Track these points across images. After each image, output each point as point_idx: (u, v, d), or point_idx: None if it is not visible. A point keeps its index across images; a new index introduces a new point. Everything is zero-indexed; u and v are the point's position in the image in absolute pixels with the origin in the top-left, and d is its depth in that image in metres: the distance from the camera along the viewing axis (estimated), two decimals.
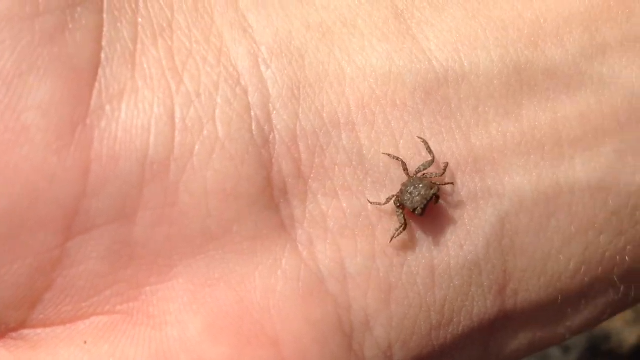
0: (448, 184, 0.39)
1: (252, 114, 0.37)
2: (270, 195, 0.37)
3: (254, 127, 0.36)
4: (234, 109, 0.36)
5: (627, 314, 1.01)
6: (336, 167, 0.38)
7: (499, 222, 0.40)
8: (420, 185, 0.39)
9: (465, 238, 0.40)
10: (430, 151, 0.39)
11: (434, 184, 0.39)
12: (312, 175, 0.38)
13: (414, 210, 0.39)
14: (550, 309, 0.43)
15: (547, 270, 0.41)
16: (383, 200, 0.39)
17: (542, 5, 0.40)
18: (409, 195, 0.39)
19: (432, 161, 0.39)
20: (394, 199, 0.39)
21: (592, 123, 0.41)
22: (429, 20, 0.40)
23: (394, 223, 0.39)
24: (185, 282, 0.36)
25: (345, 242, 0.38)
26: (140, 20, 0.36)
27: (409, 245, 0.39)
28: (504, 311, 0.42)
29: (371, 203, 0.38)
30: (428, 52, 0.39)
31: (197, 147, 0.35)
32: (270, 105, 0.37)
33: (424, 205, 0.39)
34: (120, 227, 0.35)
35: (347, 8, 0.40)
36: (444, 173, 0.39)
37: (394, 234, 0.39)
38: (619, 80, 0.41)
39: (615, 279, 0.43)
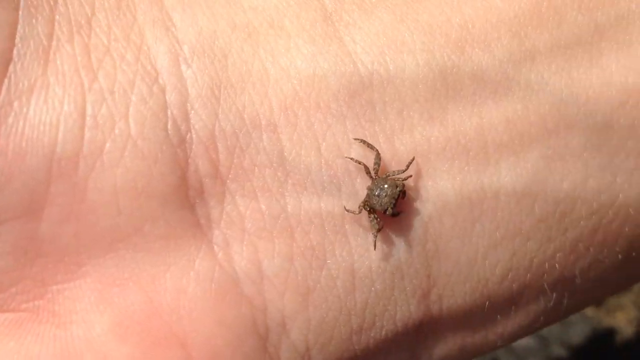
0: (408, 177, 0.39)
1: (169, 112, 0.36)
2: (185, 195, 0.37)
3: (169, 126, 0.36)
4: (149, 108, 0.36)
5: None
6: (256, 168, 0.38)
7: (422, 226, 0.40)
8: (385, 186, 0.39)
9: (387, 242, 0.40)
10: (371, 147, 0.39)
11: (398, 180, 0.39)
12: (230, 176, 0.37)
13: (385, 211, 0.39)
14: (479, 314, 0.43)
15: (472, 275, 0.41)
16: (357, 211, 0.39)
17: (471, 11, 0.40)
18: (377, 198, 0.39)
19: (379, 155, 0.39)
20: (363, 204, 0.39)
21: (518, 129, 0.40)
22: (357, 23, 0.40)
23: (371, 228, 0.39)
24: (93, 281, 0.36)
25: (263, 243, 0.38)
26: (57, 17, 0.36)
27: (328, 249, 0.39)
28: (429, 316, 0.41)
29: (347, 211, 0.39)
30: (354, 54, 0.39)
31: (107, 144, 0.35)
32: (189, 104, 0.37)
33: (393, 204, 0.39)
34: (26, 222, 0.35)
35: (275, 9, 0.40)
36: (407, 169, 0.39)
37: (374, 240, 0.39)
38: (547, 87, 0.40)
39: (546, 287, 0.43)
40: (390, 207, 0.39)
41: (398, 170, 0.39)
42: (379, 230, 0.39)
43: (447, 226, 0.40)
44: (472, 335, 0.44)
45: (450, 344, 0.43)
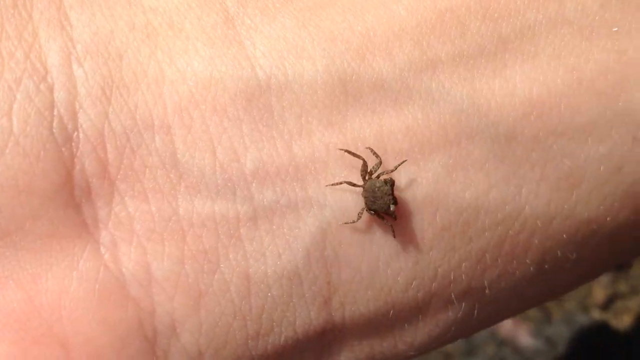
0: (391, 171, 0.40)
1: (55, 111, 0.36)
2: (70, 194, 0.36)
3: (55, 124, 0.36)
4: (34, 105, 0.36)
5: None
6: (147, 169, 0.38)
7: (320, 233, 0.40)
8: (376, 187, 0.40)
9: (284, 247, 0.39)
10: (357, 156, 0.40)
11: (383, 177, 0.40)
12: (119, 177, 0.37)
13: (388, 209, 0.40)
14: (384, 322, 0.42)
15: (375, 283, 0.41)
16: (356, 217, 0.40)
17: (373, 19, 0.40)
18: (376, 201, 0.40)
19: (365, 162, 0.40)
20: (365, 211, 0.40)
21: (418, 137, 0.40)
22: (258, 27, 0.40)
23: (386, 225, 0.40)
24: None
25: (152, 245, 0.38)
26: None
27: (221, 252, 0.39)
28: (332, 323, 0.41)
29: (346, 223, 0.40)
30: (253, 59, 0.39)
31: None
32: (77, 103, 0.37)
33: (393, 200, 0.40)
34: None
35: (176, 11, 0.40)
36: (380, 163, 0.40)
37: (393, 233, 0.40)
38: (449, 96, 0.40)
39: (453, 297, 0.43)
40: (391, 203, 0.40)
41: (376, 165, 0.40)
42: (392, 229, 0.40)
43: (346, 233, 0.40)
44: (380, 344, 0.43)
45: (357, 351, 0.43)
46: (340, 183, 0.40)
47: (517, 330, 1.05)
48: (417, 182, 0.40)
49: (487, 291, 0.43)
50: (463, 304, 0.43)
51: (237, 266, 0.39)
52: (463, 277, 0.42)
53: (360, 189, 0.41)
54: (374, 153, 0.40)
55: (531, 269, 0.44)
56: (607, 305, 1.05)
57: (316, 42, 0.40)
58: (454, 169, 0.41)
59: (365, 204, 0.40)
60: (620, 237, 0.45)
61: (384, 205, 0.40)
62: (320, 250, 0.40)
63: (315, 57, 0.39)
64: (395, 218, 0.40)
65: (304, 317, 0.40)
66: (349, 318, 0.41)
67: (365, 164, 0.40)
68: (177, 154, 0.38)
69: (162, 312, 0.38)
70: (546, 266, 0.44)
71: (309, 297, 0.40)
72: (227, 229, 0.39)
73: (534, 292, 0.46)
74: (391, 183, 0.40)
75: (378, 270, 0.41)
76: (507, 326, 1.05)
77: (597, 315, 1.05)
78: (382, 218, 0.41)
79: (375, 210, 0.40)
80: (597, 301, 1.06)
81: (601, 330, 1.03)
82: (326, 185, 0.39)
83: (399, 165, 0.40)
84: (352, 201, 0.40)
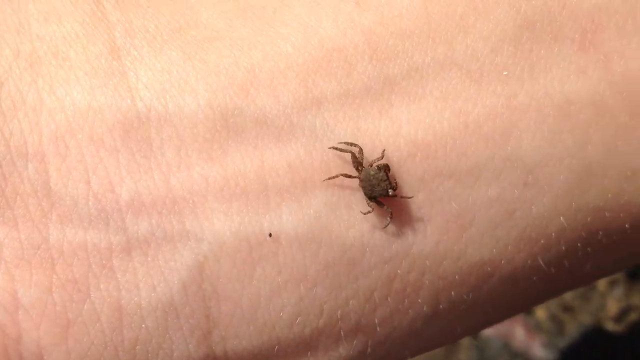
0: (380, 158, 0.41)
1: None
2: None
3: None
4: None
5: None
6: (18, 196, 0.38)
7: (197, 266, 0.40)
8: (370, 174, 0.41)
9: (159, 279, 0.39)
10: (344, 150, 0.40)
11: (374, 164, 0.41)
12: None
13: (387, 194, 0.41)
14: (271, 358, 0.42)
15: (257, 318, 0.41)
16: (369, 208, 0.41)
17: (260, 55, 0.41)
18: (374, 188, 0.41)
19: (354, 155, 0.41)
20: (368, 201, 0.41)
21: (301, 174, 0.40)
22: (144, 59, 0.40)
23: (385, 215, 0.41)
24: None
25: (20, 272, 0.38)
26: None
27: (92, 282, 0.39)
28: (213, 357, 0.41)
29: (364, 213, 0.41)
30: (134, 90, 0.39)
31: None
32: None
33: (390, 184, 0.41)
34: None
35: (63, 40, 0.40)
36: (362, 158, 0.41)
37: (387, 223, 0.41)
38: (332, 135, 0.41)
39: (342, 334, 0.42)
40: (389, 187, 0.41)
41: (376, 159, 0.41)
42: (390, 214, 0.41)
43: (225, 268, 0.40)
44: None
45: None
46: (337, 176, 0.41)
47: (530, 342, 1.05)
48: (299, 219, 0.40)
49: (378, 329, 0.43)
50: (354, 342, 0.43)
51: (109, 297, 0.39)
52: (351, 315, 0.42)
53: (357, 180, 0.41)
54: (355, 145, 0.41)
55: (424, 308, 0.43)
56: (620, 317, 1.05)
57: (200, 75, 0.40)
58: (338, 206, 0.41)
59: (365, 194, 0.41)
60: (522, 281, 0.45)
61: (383, 191, 0.41)
62: (198, 284, 0.40)
63: (197, 90, 0.40)
64: (403, 197, 0.41)
65: (182, 350, 0.40)
66: (231, 352, 0.41)
67: (354, 156, 0.41)
68: (50, 183, 0.38)
69: (29, 340, 0.37)
70: (441, 306, 0.44)
71: (186, 329, 0.40)
72: (99, 259, 0.39)
73: (434, 332, 0.46)
74: (385, 168, 0.41)
75: (260, 306, 0.41)
76: (520, 338, 1.04)
77: (610, 327, 1.05)
78: (383, 205, 0.41)
79: (375, 198, 0.41)
80: (610, 314, 1.06)
81: (614, 342, 1.03)
82: (323, 180, 0.40)
83: (384, 151, 0.41)
84: (231, 237, 0.40)
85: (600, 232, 0.44)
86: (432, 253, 0.42)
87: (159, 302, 0.39)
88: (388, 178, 0.41)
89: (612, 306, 1.06)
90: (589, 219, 0.44)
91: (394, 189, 0.41)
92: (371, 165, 0.41)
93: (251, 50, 0.41)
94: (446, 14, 0.41)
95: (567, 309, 1.06)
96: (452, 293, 0.43)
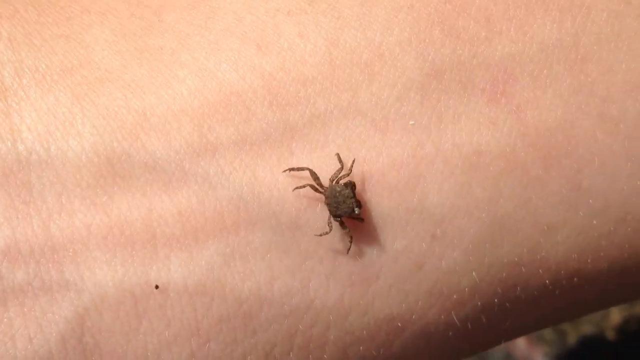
0: (347, 174, 0.39)
1: None
2: None
3: None
4: None
5: None
6: None
7: (78, 318, 0.37)
8: (336, 191, 0.39)
9: (35, 331, 0.37)
10: (300, 169, 0.39)
11: (340, 181, 0.39)
12: None
13: (353, 211, 0.39)
14: None
15: None
16: (327, 229, 0.39)
17: (153, 98, 0.39)
18: (339, 206, 0.39)
19: (313, 171, 0.39)
20: (332, 220, 0.39)
21: (192, 223, 0.38)
22: (30, 99, 0.38)
23: (346, 237, 0.40)
24: None
25: None
26: None
27: None
28: None
29: (320, 235, 0.39)
30: (17, 132, 0.38)
31: None
32: None
33: (356, 202, 0.39)
34: None
35: None
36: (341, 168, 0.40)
37: (349, 246, 0.40)
38: (227, 183, 0.39)
39: None
40: (354, 205, 0.39)
41: (337, 172, 0.39)
42: (350, 238, 0.40)
43: (107, 320, 0.38)
44: None
45: None
46: (304, 186, 0.39)
47: (532, 352, 1.03)
48: (189, 270, 0.38)
49: None
50: None
51: None
52: None
53: (323, 197, 0.40)
54: (339, 159, 0.39)
55: None
56: (623, 327, 1.03)
57: (87, 118, 0.38)
58: (232, 258, 0.39)
59: (330, 211, 0.40)
60: (436, 337, 0.43)
61: (348, 209, 0.39)
62: (78, 337, 0.37)
63: (83, 134, 0.38)
64: (362, 220, 0.40)
65: None
66: None
67: (314, 174, 0.39)
68: None
69: None
70: None
71: None
72: None
73: None
74: (351, 185, 0.39)
75: None
76: (522, 347, 1.03)
77: (612, 337, 1.02)
78: (346, 228, 0.40)
79: (340, 216, 0.39)
80: (613, 323, 1.03)
81: (617, 352, 1.01)
82: (293, 190, 0.39)
83: (352, 165, 0.39)
84: (113, 288, 0.38)
85: (518, 288, 0.42)
86: (337, 307, 0.40)
87: (35, 354, 0.37)
88: (354, 195, 0.39)
89: (615, 316, 1.04)
90: (504, 274, 0.42)
91: (360, 206, 0.39)
92: (337, 182, 0.39)
93: (144, 93, 0.39)
94: (351, 61, 0.40)
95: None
96: (361, 348, 0.41)
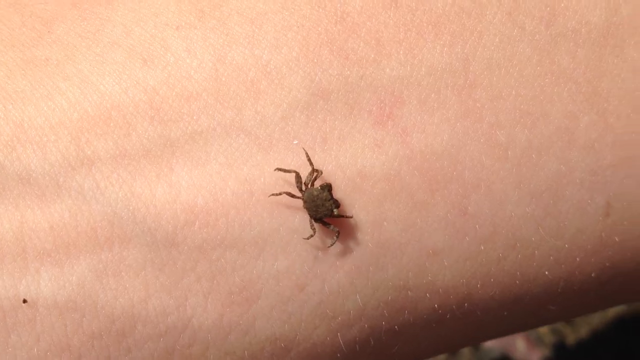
0: (315, 172, 0.40)
1: None
2: None
3: None
4: None
5: None
6: None
7: None
8: (314, 195, 0.39)
9: None
10: (288, 171, 0.39)
11: (315, 184, 0.40)
12: None
13: (332, 213, 0.39)
14: None
15: None
16: (311, 232, 0.40)
17: (32, 109, 0.39)
18: (318, 209, 0.40)
19: (298, 174, 0.40)
20: (313, 223, 0.40)
21: (64, 238, 0.38)
22: None
23: (332, 235, 0.40)
24: None
25: None
26: None
27: None
28: None
29: (306, 238, 0.39)
30: None
31: None
32: None
33: (334, 202, 0.40)
34: None
35: None
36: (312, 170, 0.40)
37: (333, 242, 0.40)
38: (102, 198, 0.38)
39: None
40: (333, 206, 0.39)
41: (310, 175, 0.40)
42: (337, 234, 0.40)
43: None
44: None
45: None
46: (280, 194, 0.39)
47: (531, 355, 1.03)
48: (59, 285, 0.38)
49: None
50: None
51: None
52: None
53: (301, 202, 0.40)
54: (309, 160, 0.39)
55: None
56: (622, 329, 1.03)
57: None
58: (105, 274, 0.38)
59: (310, 215, 0.40)
60: (325, 359, 0.42)
61: (327, 211, 0.40)
62: None
63: None
64: (351, 216, 0.40)
65: None
66: None
67: (298, 176, 0.39)
68: None
69: None
70: None
71: None
72: None
73: None
74: (328, 188, 0.39)
75: None
76: (521, 350, 1.02)
77: (612, 339, 1.03)
78: (329, 225, 0.40)
79: (320, 219, 0.40)
80: (612, 326, 1.04)
81: (616, 355, 1.00)
82: (269, 196, 0.39)
83: (308, 157, 0.40)
84: None
85: (406, 312, 0.42)
86: (216, 327, 0.40)
87: None
88: (332, 197, 0.40)
89: (614, 318, 1.04)
90: (389, 298, 0.41)
91: (338, 207, 0.40)
92: (312, 185, 0.40)
93: (24, 104, 0.38)
94: (237, 78, 0.40)
95: (569, 321, 1.05)
96: None
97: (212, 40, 0.40)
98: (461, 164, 0.41)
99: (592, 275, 0.43)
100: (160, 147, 0.39)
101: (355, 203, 0.40)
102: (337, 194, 0.40)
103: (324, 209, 0.40)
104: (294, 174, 0.39)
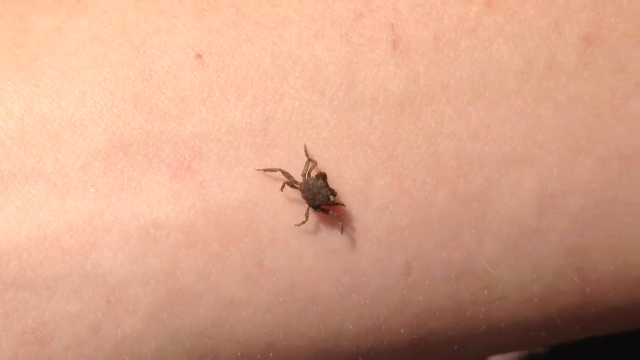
0: (311, 163, 0.42)
1: None
2: None
3: None
4: None
5: None
6: None
7: None
8: (310, 184, 0.42)
9: None
10: (272, 170, 0.42)
11: (311, 173, 0.42)
12: None
13: (328, 199, 0.41)
14: None
15: None
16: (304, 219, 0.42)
17: None
18: (315, 197, 0.42)
19: (285, 171, 0.42)
20: (309, 210, 0.42)
21: None
22: None
23: (336, 220, 0.42)
24: None
25: None
26: None
27: None
28: None
29: (298, 225, 0.42)
30: None
31: None
32: None
33: (329, 190, 0.42)
34: None
35: None
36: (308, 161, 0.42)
37: (341, 227, 0.42)
38: None
39: None
40: (329, 194, 0.41)
41: (306, 166, 0.42)
42: (339, 219, 0.42)
43: None
44: None
45: None
46: (283, 186, 0.42)
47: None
48: None
49: None
50: None
51: None
52: None
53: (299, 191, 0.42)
54: (306, 152, 0.42)
55: None
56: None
57: None
58: None
59: (308, 203, 0.42)
60: None
61: (324, 199, 0.42)
62: None
63: None
64: (344, 205, 0.42)
65: None
66: None
67: (285, 172, 0.42)
68: None
69: None
70: None
71: None
72: None
73: None
74: (323, 176, 0.42)
75: None
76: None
77: (612, 340, 1.01)
78: (329, 212, 0.42)
79: (318, 207, 0.42)
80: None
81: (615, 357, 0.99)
82: (257, 170, 0.42)
83: (305, 151, 0.42)
84: None
85: (208, 359, 0.43)
86: None
87: None
88: (327, 185, 0.42)
89: None
90: (187, 344, 0.43)
91: (334, 194, 0.42)
92: (308, 175, 0.42)
93: None
94: (42, 128, 0.42)
95: None
96: None
97: (22, 92, 0.42)
98: (257, 219, 0.42)
99: (402, 331, 0.45)
100: None
101: (148, 251, 0.42)
102: (130, 243, 0.42)
103: (321, 197, 0.42)
104: (279, 172, 0.42)
